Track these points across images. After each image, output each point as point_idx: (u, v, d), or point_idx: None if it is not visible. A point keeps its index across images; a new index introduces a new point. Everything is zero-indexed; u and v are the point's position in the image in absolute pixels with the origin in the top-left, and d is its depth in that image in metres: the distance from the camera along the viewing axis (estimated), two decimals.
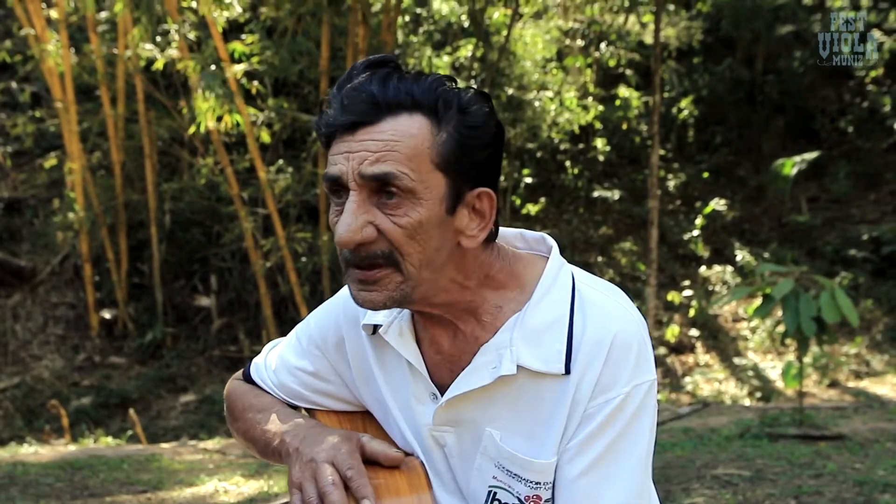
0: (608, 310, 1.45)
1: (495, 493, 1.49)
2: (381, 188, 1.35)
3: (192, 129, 8.57)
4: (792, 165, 12.11)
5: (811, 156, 12.33)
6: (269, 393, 1.68)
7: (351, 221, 1.34)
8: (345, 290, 1.59)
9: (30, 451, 6.81)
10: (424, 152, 1.35)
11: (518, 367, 1.43)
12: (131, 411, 8.47)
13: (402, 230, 1.35)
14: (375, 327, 1.53)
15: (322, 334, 1.63)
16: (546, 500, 1.47)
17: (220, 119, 8.26)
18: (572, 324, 1.43)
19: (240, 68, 8.56)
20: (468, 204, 1.40)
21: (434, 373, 1.51)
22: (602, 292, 1.48)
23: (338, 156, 1.36)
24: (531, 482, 1.45)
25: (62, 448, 7.13)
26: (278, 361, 1.68)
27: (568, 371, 1.42)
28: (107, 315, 10.07)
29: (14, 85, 11.90)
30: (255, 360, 1.73)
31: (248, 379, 1.71)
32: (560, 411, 1.43)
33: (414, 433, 1.54)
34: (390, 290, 1.38)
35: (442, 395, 1.49)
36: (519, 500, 1.47)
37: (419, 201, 1.35)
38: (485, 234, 1.42)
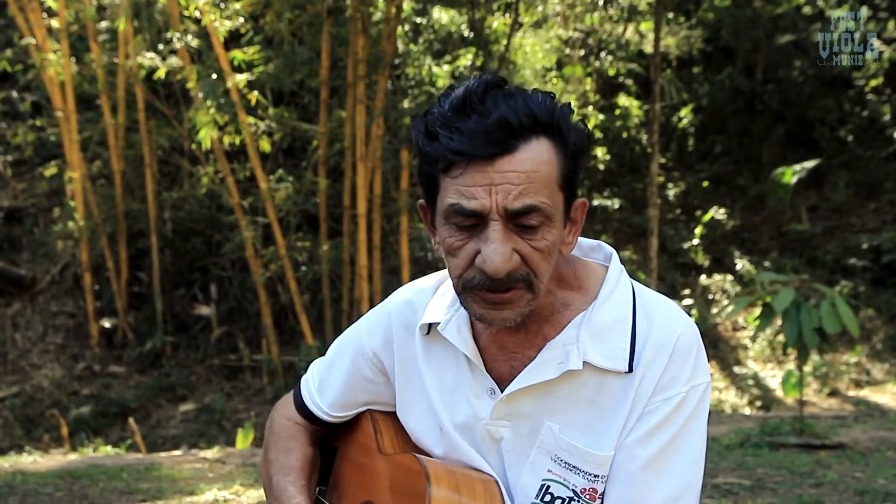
0: (671, 313, 1.52)
1: (548, 487, 1.52)
2: (521, 216, 1.39)
3: (199, 139, 8.56)
4: (792, 174, 12.12)
5: (811, 165, 12.34)
6: (307, 422, 1.79)
7: (503, 251, 1.38)
8: (393, 297, 1.69)
9: (29, 461, 6.79)
10: (554, 177, 1.41)
11: (584, 363, 1.48)
12: (131, 420, 8.45)
13: (540, 253, 1.41)
14: (430, 327, 1.59)
15: (371, 335, 1.70)
16: (601, 494, 1.51)
17: (221, 129, 8.24)
18: (635, 324, 1.50)
19: (242, 78, 8.56)
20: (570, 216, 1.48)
21: (492, 368, 1.56)
22: (660, 298, 1.56)
23: (476, 188, 1.37)
24: (590, 475, 1.49)
25: (61, 457, 7.11)
26: (324, 369, 1.77)
27: (631, 369, 1.48)
28: (106, 324, 10.05)
29: (15, 94, 11.91)
30: (303, 378, 1.82)
31: (297, 397, 1.80)
32: (622, 407, 1.48)
33: (464, 429, 1.57)
34: (521, 306, 1.44)
35: (500, 390, 1.53)
36: (574, 492, 1.51)
37: (553, 224, 1.42)
38: (576, 239, 1.51)
